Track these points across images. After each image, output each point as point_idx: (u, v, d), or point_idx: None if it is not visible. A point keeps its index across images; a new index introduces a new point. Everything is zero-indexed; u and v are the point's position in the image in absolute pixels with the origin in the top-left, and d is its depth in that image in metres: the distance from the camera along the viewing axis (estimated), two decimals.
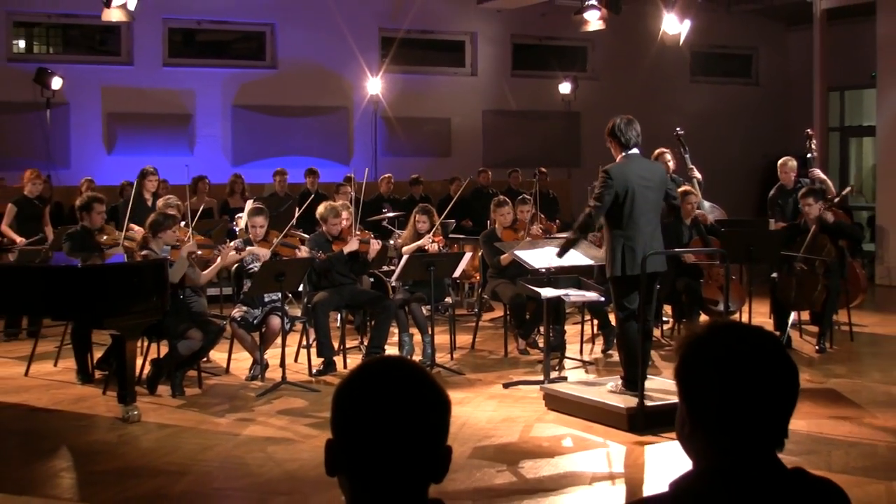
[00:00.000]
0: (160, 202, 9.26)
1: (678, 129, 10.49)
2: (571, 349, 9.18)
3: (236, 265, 8.46)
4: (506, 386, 7.96)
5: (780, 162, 10.81)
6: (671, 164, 10.17)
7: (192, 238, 8.11)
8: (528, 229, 9.54)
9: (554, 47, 17.55)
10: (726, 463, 1.84)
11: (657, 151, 10.16)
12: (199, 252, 8.15)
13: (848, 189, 11.62)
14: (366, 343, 9.01)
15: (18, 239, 10.38)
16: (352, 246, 8.70)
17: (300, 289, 8.91)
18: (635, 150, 6.93)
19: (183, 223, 8.61)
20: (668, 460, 5.95)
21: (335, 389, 1.78)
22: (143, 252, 7.75)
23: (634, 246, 6.79)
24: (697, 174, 10.26)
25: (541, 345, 8.71)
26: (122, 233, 8.50)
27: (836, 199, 10.21)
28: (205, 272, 8.21)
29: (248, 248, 8.33)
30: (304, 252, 8.52)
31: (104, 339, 8.19)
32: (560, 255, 7.35)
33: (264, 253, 8.25)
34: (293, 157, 14.78)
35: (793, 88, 18.46)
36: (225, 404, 7.52)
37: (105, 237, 8.63)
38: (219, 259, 8.25)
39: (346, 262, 8.78)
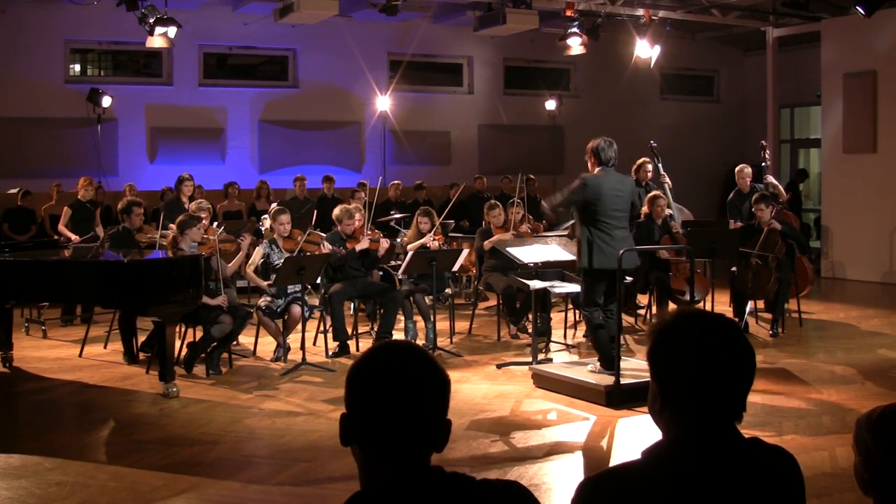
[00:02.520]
0: (192, 205, 9.23)
1: (652, 141, 10.47)
2: (556, 334, 9.17)
3: (262, 259, 8.45)
4: (499, 366, 7.95)
5: (737, 169, 10.79)
6: (650, 173, 10.14)
7: (217, 242, 8.08)
8: (518, 228, 9.53)
9: (541, 69, 17.50)
10: (692, 433, 1.83)
11: (640, 161, 10.14)
12: (223, 246, 8.15)
13: (788, 196, 11.61)
14: (376, 329, 9.00)
15: (73, 237, 10.37)
16: (362, 245, 8.68)
17: (318, 281, 8.90)
18: (611, 167, 7.01)
19: (214, 224, 8.60)
20: (640, 432, 5.94)
21: (349, 370, 1.77)
22: (172, 251, 7.74)
23: (602, 244, 6.84)
24: (668, 181, 10.24)
25: (529, 330, 8.71)
26: (159, 231, 8.49)
27: (783, 201, 10.20)
28: (230, 264, 8.20)
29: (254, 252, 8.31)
30: (326, 247, 8.52)
31: (147, 325, 8.18)
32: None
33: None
34: (312, 165, 14.74)
35: (749, 105, 18.43)
36: (252, 382, 7.52)
37: (146, 236, 8.64)
38: (241, 251, 8.24)
39: (359, 258, 8.77)
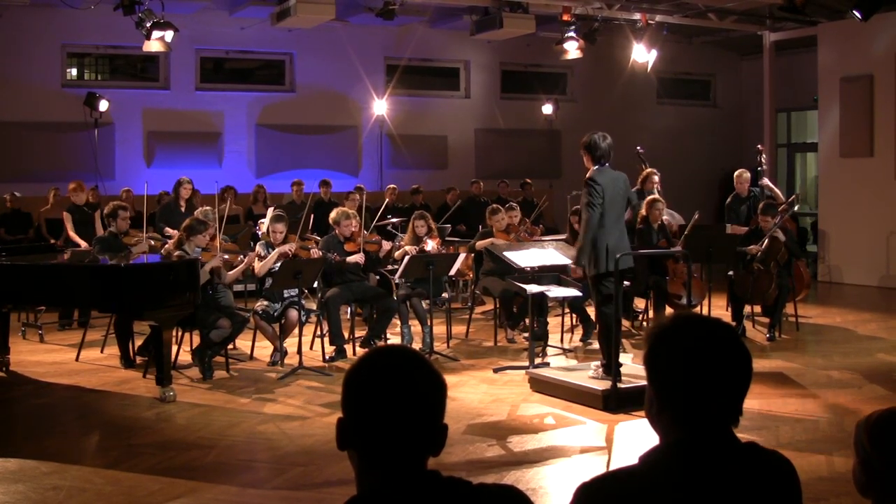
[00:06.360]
0: (198, 213, 9.17)
1: (639, 147, 10.51)
2: (553, 338, 9.16)
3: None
4: (495, 371, 7.95)
5: (736, 174, 10.81)
6: (658, 185, 10.06)
7: (219, 248, 8.08)
8: (519, 233, 9.54)
9: (538, 73, 17.51)
10: (689, 438, 1.83)
11: (645, 172, 10.09)
12: (227, 256, 8.15)
13: (794, 197, 11.64)
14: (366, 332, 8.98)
15: (83, 243, 10.11)
16: (355, 259, 8.65)
17: (315, 285, 8.89)
18: (606, 165, 6.96)
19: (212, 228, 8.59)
20: (637, 436, 5.94)
21: (345, 374, 1.77)
22: (177, 252, 7.73)
23: (605, 245, 6.79)
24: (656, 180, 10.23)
25: (526, 334, 8.70)
26: (145, 234, 8.50)
27: (783, 207, 10.21)
28: (230, 272, 8.19)
29: (274, 251, 8.28)
30: (316, 253, 8.52)
31: (144, 329, 8.17)
32: (578, 261, 7.02)
33: (291, 247, 8.23)
34: (309, 169, 14.72)
35: (746, 109, 18.46)
36: (249, 386, 7.51)
37: (134, 239, 8.65)
38: (243, 263, 8.23)
39: (357, 263, 8.76)
